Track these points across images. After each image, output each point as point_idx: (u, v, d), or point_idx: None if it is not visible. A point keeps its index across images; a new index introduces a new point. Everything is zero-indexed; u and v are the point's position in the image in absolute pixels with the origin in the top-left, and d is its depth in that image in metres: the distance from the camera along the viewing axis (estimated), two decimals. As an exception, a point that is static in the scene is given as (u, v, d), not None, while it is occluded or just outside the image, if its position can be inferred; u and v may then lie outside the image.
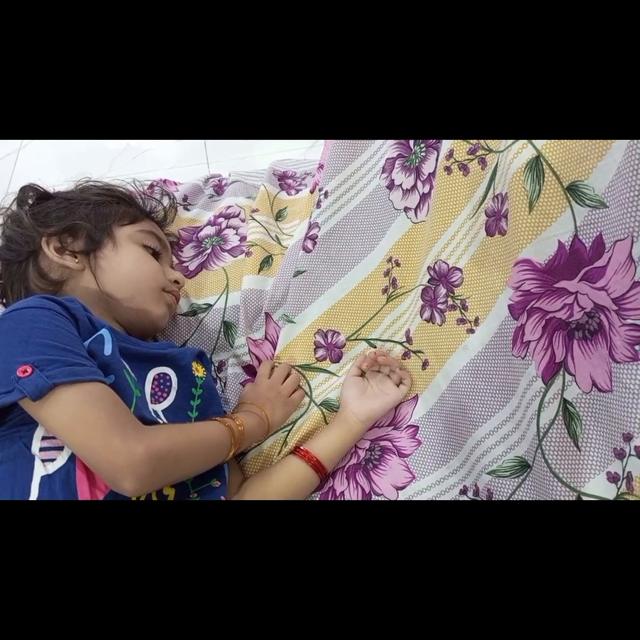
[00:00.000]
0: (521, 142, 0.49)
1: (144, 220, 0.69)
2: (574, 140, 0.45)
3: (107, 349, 0.51)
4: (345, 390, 0.66)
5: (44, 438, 0.47)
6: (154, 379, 0.57)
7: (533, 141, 0.48)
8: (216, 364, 0.73)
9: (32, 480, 0.45)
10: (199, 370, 0.62)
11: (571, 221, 0.46)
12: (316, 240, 0.70)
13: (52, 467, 0.46)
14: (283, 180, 0.90)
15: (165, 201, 0.80)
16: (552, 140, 0.46)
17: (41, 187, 0.68)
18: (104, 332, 0.53)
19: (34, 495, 0.45)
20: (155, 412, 0.55)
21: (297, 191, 0.88)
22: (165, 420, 0.54)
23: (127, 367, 0.53)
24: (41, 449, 0.47)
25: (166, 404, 0.57)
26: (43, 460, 0.46)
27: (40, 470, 0.46)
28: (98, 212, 0.64)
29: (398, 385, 0.67)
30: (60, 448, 0.47)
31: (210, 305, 0.74)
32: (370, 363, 0.67)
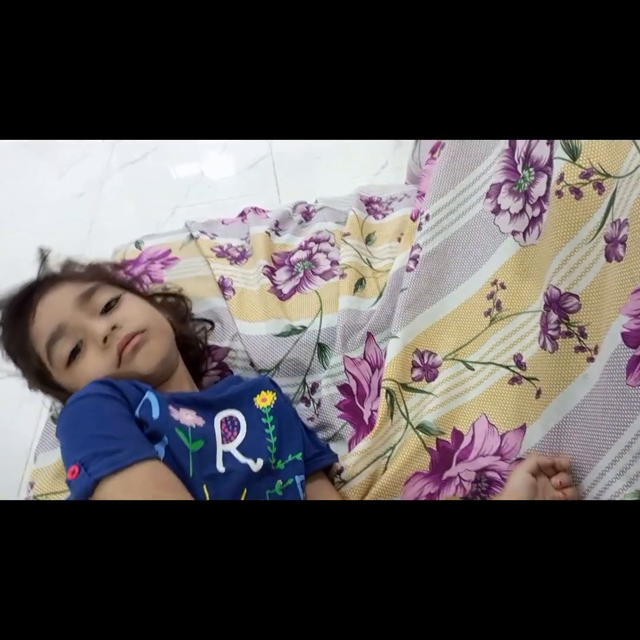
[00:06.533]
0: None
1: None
2: None
3: (155, 413, 0.53)
4: (518, 492, 0.57)
5: None
6: (222, 422, 0.59)
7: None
8: (309, 385, 0.73)
9: None
10: (267, 399, 0.63)
11: None
12: (417, 260, 0.70)
13: None
14: (370, 205, 0.91)
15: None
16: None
17: None
18: (149, 396, 0.54)
19: None
20: (227, 452, 0.56)
21: (384, 216, 0.89)
22: (240, 457, 0.55)
23: (180, 421, 0.54)
24: None
25: (238, 441, 0.58)
26: None
27: None
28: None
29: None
30: None
31: (304, 327, 0.74)
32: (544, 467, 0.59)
